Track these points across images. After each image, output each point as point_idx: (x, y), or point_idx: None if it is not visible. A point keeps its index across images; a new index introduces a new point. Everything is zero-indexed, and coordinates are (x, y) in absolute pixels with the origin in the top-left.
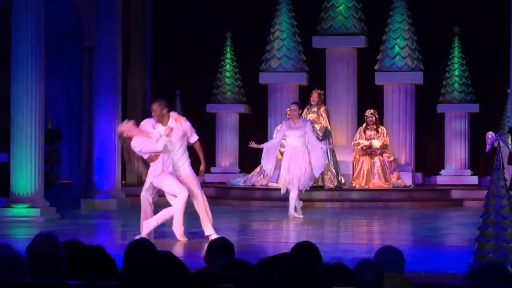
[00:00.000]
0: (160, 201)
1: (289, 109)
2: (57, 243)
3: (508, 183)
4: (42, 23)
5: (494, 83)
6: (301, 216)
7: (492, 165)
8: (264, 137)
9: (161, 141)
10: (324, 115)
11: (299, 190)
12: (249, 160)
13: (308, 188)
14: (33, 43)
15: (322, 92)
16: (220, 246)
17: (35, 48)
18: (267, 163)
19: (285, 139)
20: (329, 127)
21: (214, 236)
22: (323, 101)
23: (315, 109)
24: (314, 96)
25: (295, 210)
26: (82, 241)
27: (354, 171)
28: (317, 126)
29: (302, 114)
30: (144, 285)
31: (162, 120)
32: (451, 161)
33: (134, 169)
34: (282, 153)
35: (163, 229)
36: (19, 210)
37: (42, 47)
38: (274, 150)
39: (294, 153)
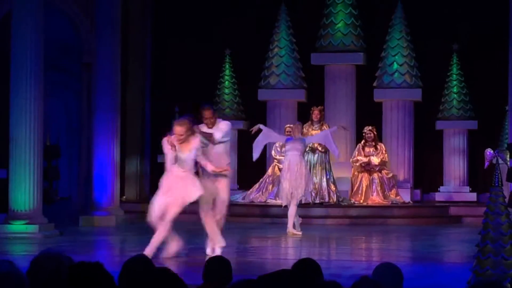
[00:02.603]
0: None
1: (289, 126)
2: (61, 262)
3: (506, 200)
4: (42, 39)
5: (492, 100)
6: (300, 233)
7: (490, 181)
8: (263, 154)
9: None
10: None
11: (297, 206)
12: (247, 176)
13: (309, 201)
14: (32, 59)
15: (322, 108)
16: (218, 263)
17: (34, 64)
18: (255, 149)
19: (283, 156)
20: None
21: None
22: (323, 117)
23: (318, 126)
24: (316, 113)
25: (294, 226)
26: (71, 257)
27: (352, 188)
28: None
29: (303, 132)
30: None
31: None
32: (449, 178)
33: None
34: (280, 169)
35: (162, 246)
36: (18, 227)
37: (41, 63)
38: (264, 140)
39: (292, 166)
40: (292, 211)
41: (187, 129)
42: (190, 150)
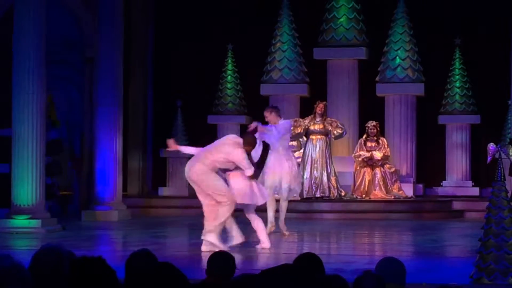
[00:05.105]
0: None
1: (296, 119)
2: (62, 256)
3: (509, 194)
4: (44, 33)
5: (495, 94)
6: (287, 233)
7: (493, 176)
8: (264, 148)
9: None
10: (330, 124)
11: (288, 200)
12: None
13: (298, 193)
14: (34, 53)
15: (326, 103)
16: (221, 259)
17: (36, 58)
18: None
19: None
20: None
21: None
22: (326, 112)
23: (320, 120)
24: (321, 106)
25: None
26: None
27: (355, 183)
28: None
29: (306, 125)
30: None
31: None
32: (452, 173)
33: None
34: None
35: (165, 241)
36: (20, 221)
37: (43, 58)
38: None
39: (275, 158)
40: (283, 207)
41: None
42: None
